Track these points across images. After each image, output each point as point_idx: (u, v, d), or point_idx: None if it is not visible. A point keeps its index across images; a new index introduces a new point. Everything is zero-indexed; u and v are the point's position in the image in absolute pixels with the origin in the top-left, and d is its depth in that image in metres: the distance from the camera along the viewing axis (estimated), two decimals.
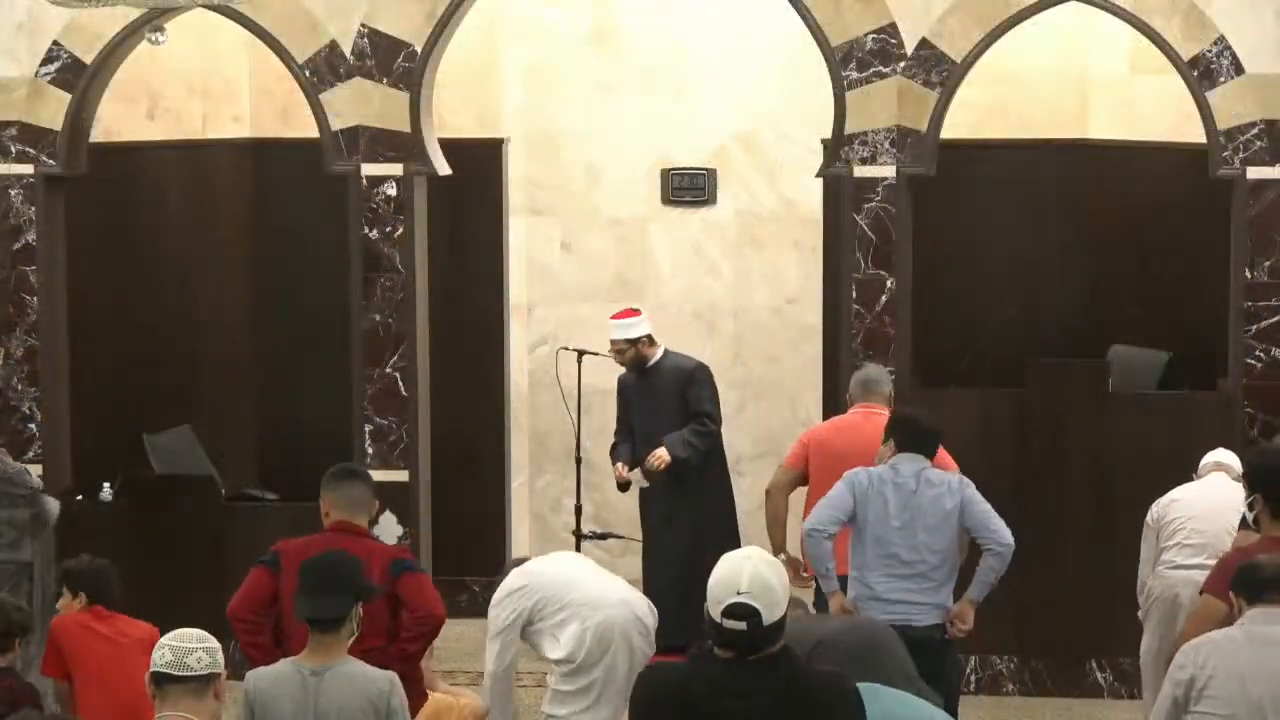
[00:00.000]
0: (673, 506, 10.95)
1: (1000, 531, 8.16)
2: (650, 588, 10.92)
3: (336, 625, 6.24)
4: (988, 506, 8.22)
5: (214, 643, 5.34)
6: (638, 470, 11.00)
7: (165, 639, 5.34)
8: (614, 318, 11.12)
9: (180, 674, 5.23)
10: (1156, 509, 8.94)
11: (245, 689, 6.30)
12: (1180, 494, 8.93)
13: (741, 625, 4.84)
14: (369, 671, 6.25)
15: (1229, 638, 6.21)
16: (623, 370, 11.19)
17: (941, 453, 8.70)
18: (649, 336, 11.04)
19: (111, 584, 7.64)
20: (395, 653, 7.00)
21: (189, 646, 5.27)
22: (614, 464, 11.20)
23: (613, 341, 11.05)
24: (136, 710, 6.75)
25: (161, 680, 5.25)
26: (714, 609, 4.88)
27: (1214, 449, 9.14)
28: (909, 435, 8.31)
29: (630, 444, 11.15)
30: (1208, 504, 8.72)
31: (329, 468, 7.57)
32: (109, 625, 7.52)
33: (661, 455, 10.83)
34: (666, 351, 11.09)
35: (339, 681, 6.15)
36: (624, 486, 11.21)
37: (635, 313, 11.12)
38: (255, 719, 6.25)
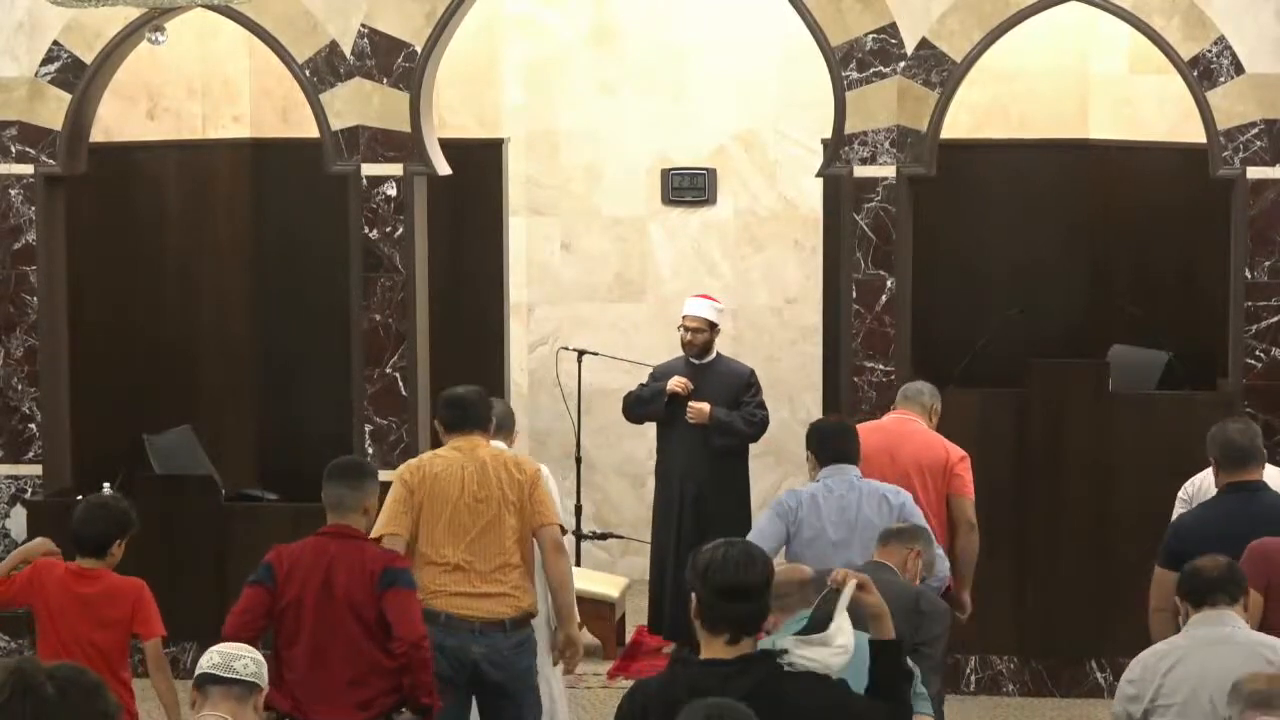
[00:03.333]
0: (691, 493, 10.82)
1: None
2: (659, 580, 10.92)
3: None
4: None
5: (261, 657, 5.42)
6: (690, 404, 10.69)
7: (214, 647, 5.44)
8: (700, 296, 10.98)
9: (225, 675, 5.30)
10: (1191, 488, 8.47)
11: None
12: (1210, 479, 8.27)
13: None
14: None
15: (1175, 646, 6.21)
16: (669, 360, 10.98)
17: (932, 435, 8.78)
18: (718, 329, 10.93)
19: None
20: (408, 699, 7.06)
21: (238, 653, 5.40)
22: (659, 386, 10.77)
23: (695, 318, 10.77)
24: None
25: (205, 681, 5.33)
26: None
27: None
28: (822, 445, 8.19)
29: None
30: None
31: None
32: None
33: (701, 408, 10.63)
34: (719, 353, 10.98)
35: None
36: (679, 397, 10.70)
37: (716, 300, 11.06)
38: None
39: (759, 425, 10.75)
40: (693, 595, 4.95)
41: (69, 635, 7.23)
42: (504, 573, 7.77)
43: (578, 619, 8.15)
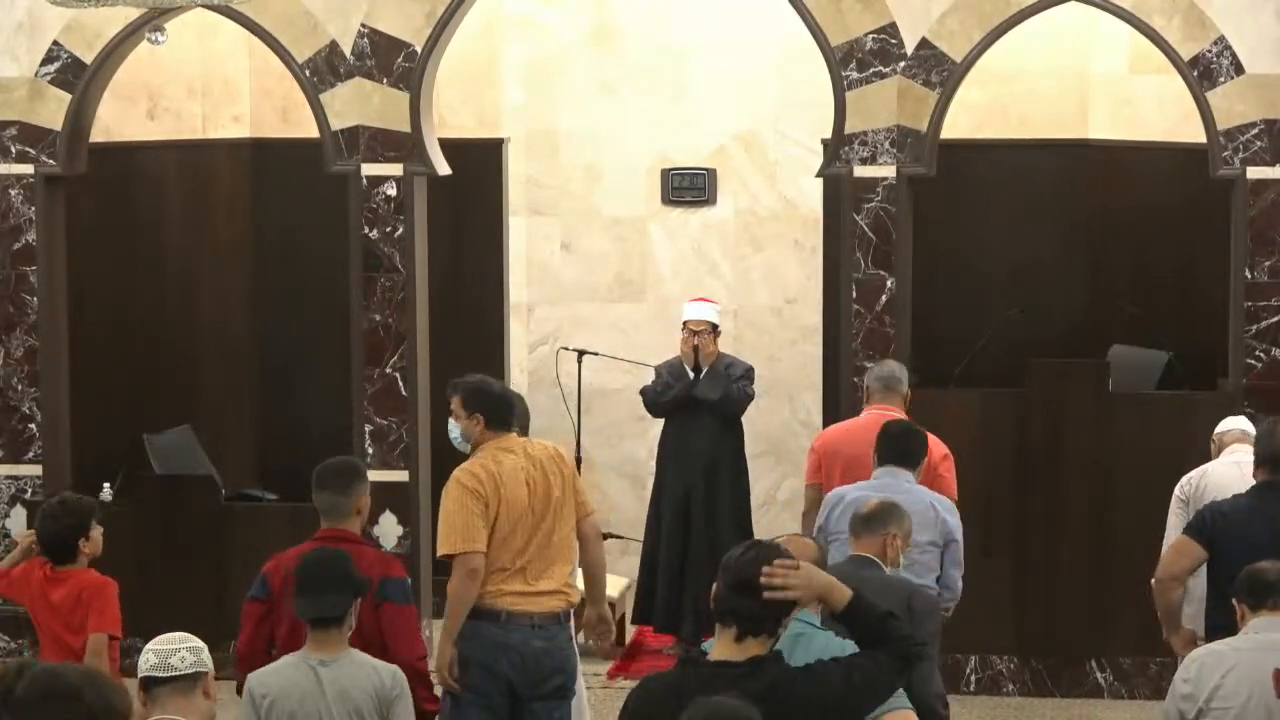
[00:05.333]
0: (691, 489, 10.84)
1: (953, 588, 7.95)
2: (653, 571, 10.92)
3: (338, 622, 6.37)
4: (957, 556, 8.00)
5: (197, 642, 5.33)
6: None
7: (149, 644, 5.35)
8: (699, 300, 11.05)
9: (165, 675, 5.23)
10: (1188, 486, 8.45)
11: (249, 688, 6.38)
12: (1213, 476, 8.38)
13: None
14: (374, 662, 6.43)
15: (1234, 648, 6.20)
16: (671, 358, 10.99)
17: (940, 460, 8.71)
18: (719, 330, 10.97)
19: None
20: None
21: (172, 648, 5.27)
22: (675, 361, 10.94)
23: (698, 321, 10.81)
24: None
25: (149, 684, 5.26)
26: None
27: (1232, 416, 8.85)
28: (881, 446, 8.17)
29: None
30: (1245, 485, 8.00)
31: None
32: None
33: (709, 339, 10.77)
34: (720, 352, 10.99)
35: (346, 668, 6.34)
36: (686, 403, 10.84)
37: (715, 302, 11.15)
38: (261, 713, 6.34)
39: (744, 395, 10.81)
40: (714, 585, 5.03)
41: (49, 636, 7.39)
42: (556, 569, 7.74)
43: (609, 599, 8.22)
